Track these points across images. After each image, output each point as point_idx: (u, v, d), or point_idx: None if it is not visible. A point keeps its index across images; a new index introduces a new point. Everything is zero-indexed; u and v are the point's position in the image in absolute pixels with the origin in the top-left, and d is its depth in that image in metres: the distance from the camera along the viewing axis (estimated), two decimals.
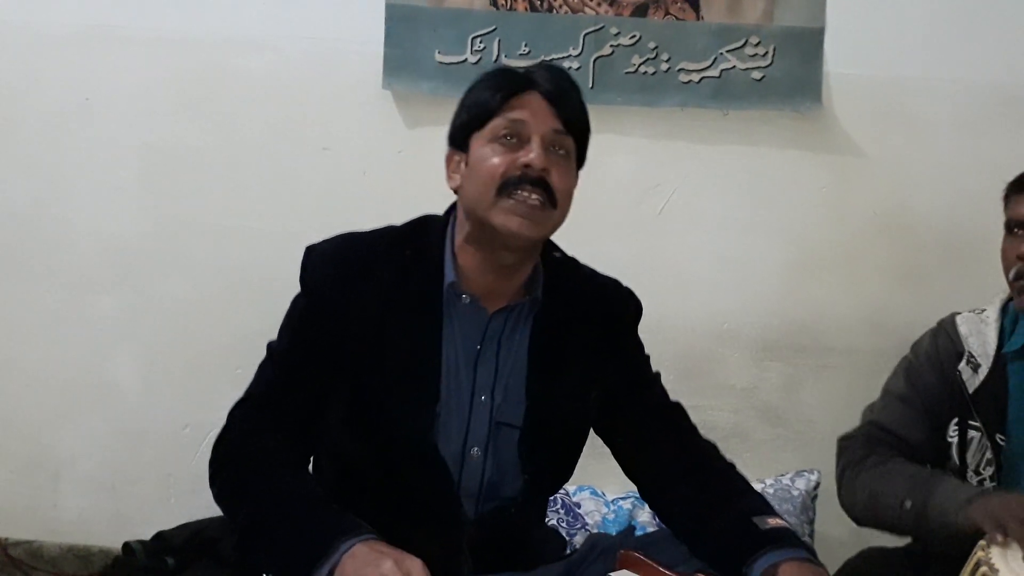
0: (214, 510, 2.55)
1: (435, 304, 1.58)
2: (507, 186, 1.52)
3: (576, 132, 1.59)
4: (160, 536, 2.39)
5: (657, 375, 1.75)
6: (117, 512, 2.69)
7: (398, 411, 1.54)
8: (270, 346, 1.61)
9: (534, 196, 1.51)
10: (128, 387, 2.70)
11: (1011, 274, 1.89)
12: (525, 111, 1.54)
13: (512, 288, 1.61)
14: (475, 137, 1.57)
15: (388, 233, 1.64)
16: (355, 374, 1.55)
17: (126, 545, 2.38)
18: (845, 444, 2.01)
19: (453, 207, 1.65)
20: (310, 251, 1.61)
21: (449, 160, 1.62)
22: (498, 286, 1.60)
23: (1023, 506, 1.63)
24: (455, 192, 1.62)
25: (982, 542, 1.54)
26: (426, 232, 1.63)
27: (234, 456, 1.54)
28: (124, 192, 2.66)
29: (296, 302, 1.61)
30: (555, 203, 1.54)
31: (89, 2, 2.64)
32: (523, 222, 1.52)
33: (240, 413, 1.58)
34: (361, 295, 1.55)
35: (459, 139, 1.60)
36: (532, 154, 1.52)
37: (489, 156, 1.53)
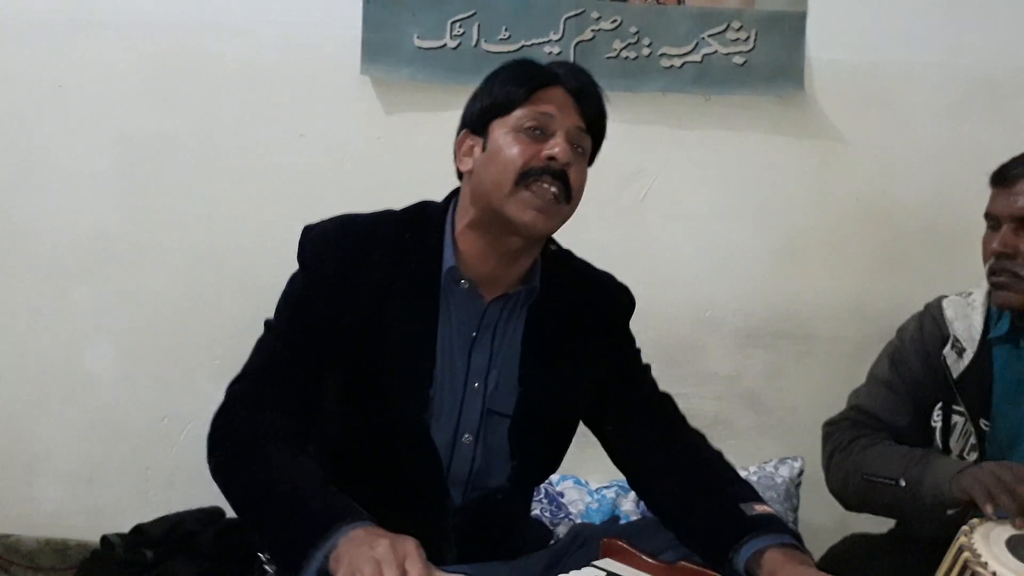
0: (192, 503, 2.55)
1: (433, 289, 1.58)
2: (527, 176, 1.52)
3: (595, 132, 1.61)
4: (138, 529, 2.38)
5: (647, 367, 1.76)
6: (94, 505, 2.67)
7: (392, 393, 1.54)
8: (268, 323, 1.60)
9: (553, 188, 1.52)
10: (105, 378, 2.67)
11: (986, 268, 1.88)
12: (552, 105, 1.55)
13: (511, 276, 1.61)
14: (496, 124, 1.56)
15: (387, 216, 1.63)
16: (351, 354, 1.54)
17: (104, 539, 2.36)
18: (830, 430, 2.00)
19: (454, 193, 1.65)
20: (308, 230, 1.60)
21: (461, 143, 1.61)
22: (498, 273, 1.60)
23: (1012, 475, 1.63)
24: (461, 176, 1.63)
25: (965, 527, 1.54)
26: (426, 217, 1.63)
27: (233, 431, 1.52)
28: (98, 180, 2.63)
29: (294, 280, 1.60)
30: (569, 198, 1.55)
31: None
32: (538, 215, 1.52)
33: (239, 389, 1.56)
34: (360, 276, 1.55)
35: (478, 124, 1.59)
36: (558, 148, 1.53)
37: (512, 144, 1.53)
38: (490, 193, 1.54)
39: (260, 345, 1.59)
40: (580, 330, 1.66)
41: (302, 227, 1.60)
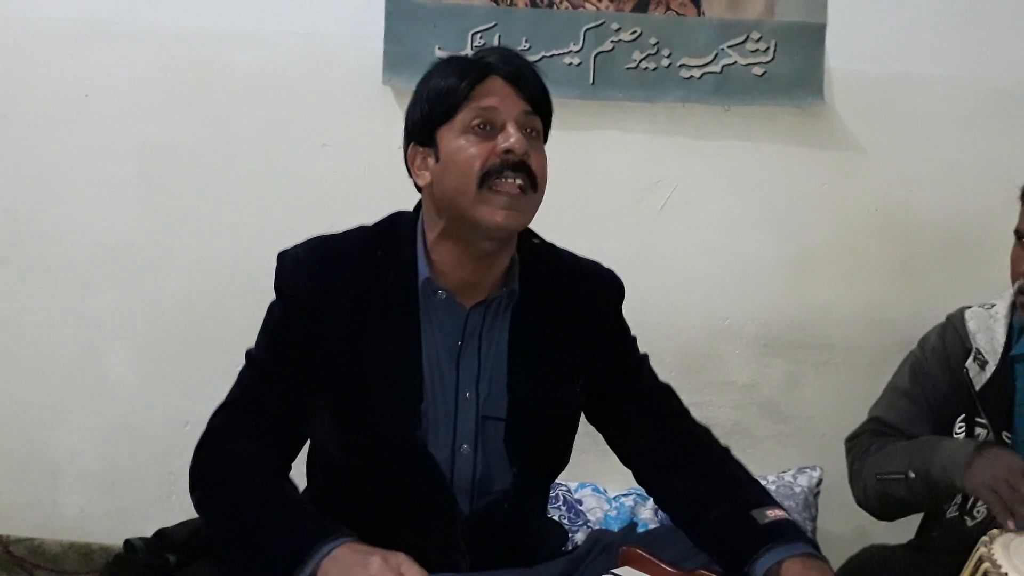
0: None
1: (411, 302, 1.56)
2: (488, 176, 1.48)
3: (542, 111, 1.57)
4: (161, 533, 2.38)
5: (645, 357, 1.72)
6: (117, 509, 2.68)
7: (383, 413, 1.53)
8: (248, 354, 1.60)
9: (518, 181, 1.49)
10: (126, 384, 2.69)
11: (1015, 286, 1.87)
12: (494, 97, 1.51)
13: (489, 280, 1.58)
14: (443, 131, 1.52)
15: (360, 233, 1.62)
16: (336, 377, 1.53)
17: (127, 542, 2.37)
18: (851, 444, 2.01)
19: (422, 202, 1.63)
20: (282, 256, 1.59)
21: (413, 158, 1.57)
22: (475, 279, 1.57)
23: (1012, 470, 1.62)
24: (420, 190, 1.60)
25: (985, 538, 1.53)
26: (397, 230, 1.61)
27: (212, 464, 1.53)
28: (121, 188, 2.65)
29: (272, 309, 1.60)
30: (535, 186, 1.52)
31: None
32: (508, 214, 1.49)
33: (219, 420, 1.57)
34: (336, 298, 1.53)
35: (423, 135, 1.55)
36: (512, 139, 1.49)
37: (465, 148, 1.49)
38: (455, 201, 1.51)
39: (241, 376, 1.60)
40: (568, 326, 1.62)
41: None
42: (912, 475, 1.80)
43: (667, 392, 1.70)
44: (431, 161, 1.54)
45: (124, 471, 2.70)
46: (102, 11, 2.61)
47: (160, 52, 2.62)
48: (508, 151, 1.49)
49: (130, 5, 2.61)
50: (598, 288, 1.69)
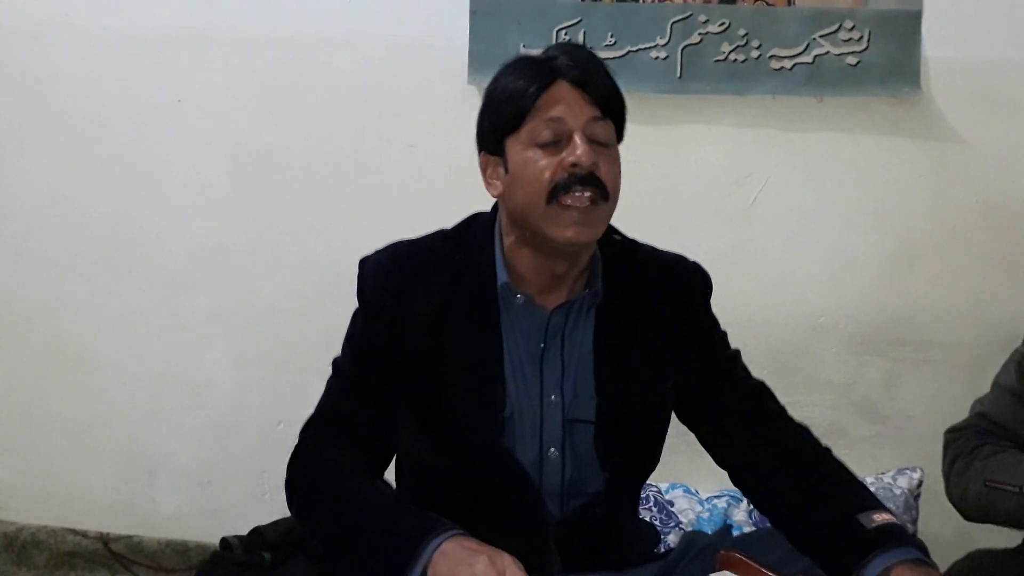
0: None
1: (491, 307, 1.54)
2: (557, 191, 1.46)
3: (613, 113, 1.52)
4: (257, 531, 2.41)
5: (737, 353, 1.68)
6: (213, 508, 2.73)
7: (466, 420, 1.52)
8: (335, 363, 1.61)
9: (588, 193, 1.46)
10: (221, 384, 2.74)
11: None
12: (560, 107, 1.47)
13: (569, 283, 1.56)
14: (510, 141, 1.50)
15: (439, 237, 1.61)
16: (420, 384, 1.53)
17: (223, 540, 2.41)
18: (953, 436, 1.94)
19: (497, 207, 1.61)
20: (364, 263, 1.59)
21: (485, 166, 1.56)
22: (554, 283, 1.56)
23: None
24: (497, 198, 1.58)
25: None
26: (474, 233, 1.59)
27: (309, 474, 1.53)
28: (214, 191, 2.70)
29: (355, 317, 1.61)
30: (607, 195, 1.49)
31: (177, 4, 2.67)
32: (579, 229, 1.47)
33: (311, 433, 1.57)
34: (418, 304, 1.53)
35: (491, 143, 1.53)
36: (578, 151, 1.46)
37: (533, 161, 1.47)
38: (526, 216, 1.49)
39: (329, 387, 1.60)
40: (655, 324, 1.59)
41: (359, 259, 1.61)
42: None
43: (762, 389, 1.66)
44: (501, 171, 1.53)
45: (219, 470, 2.75)
46: (192, 19, 2.66)
47: (249, 57, 2.66)
48: (575, 164, 1.46)
49: (218, 12, 2.66)
50: (685, 282, 1.66)
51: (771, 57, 2.50)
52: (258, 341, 2.71)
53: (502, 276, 1.55)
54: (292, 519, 2.38)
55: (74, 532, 2.76)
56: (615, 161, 1.53)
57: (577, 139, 1.47)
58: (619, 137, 1.56)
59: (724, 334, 1.69)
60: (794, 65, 2.50)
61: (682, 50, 2.51)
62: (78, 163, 2.72)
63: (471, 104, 2.58)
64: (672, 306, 1.62)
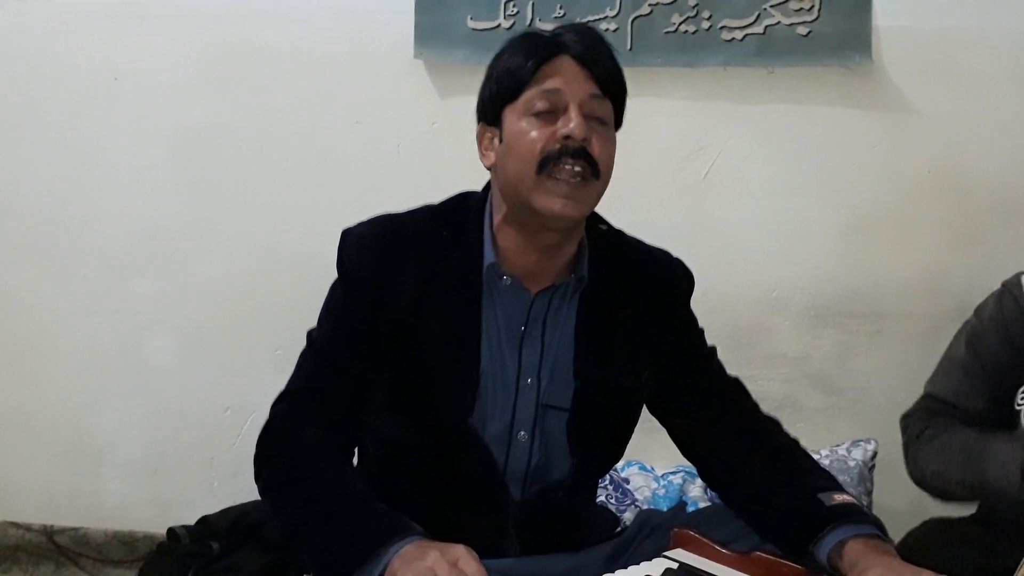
0: (257, 494, 2.54)
1: (475, 286, 1.53)
2: (547, 161, 1.45)
3: (613, 94, 1.52)
4: (204, 521, 2.38)
5: (713, 350, 1.69)
6: (160, 497, 2.69)
7: (437, 396, 1.51)
8: (310, 335, 1.57)
9: (577, 168, 1.45)
10: (167, 370, 2.68)
11: None
12: (559, 79, 1.47)
13: (556, 267, 1.56)
14: (508, 111, 1.50)
15: (425, 213, 1.59)
16: (395, 359, 1.51)
17: (171, 531, 2.37)
18: (906, 423, 1.95)
19: (491, 183, 1.60)
20: (346, 235, 1.56)
21: (481, 137, 1.55)
22: (541, 266, 1.55)
23: None
24: (490, 170, 1.56)
25: None
26: (464, 211, 1.58)
27: (278, 451, 1.50)
28: (154, 172, 2.63)
29: (334, 289, 1.57)
30: (598, 173, 1.48)
31: None
32: (566, 202, 1.46)
33: (283, 407, 1.54)
34: (400, 279, 1.51)
35: (490, 113, 1.53)
36: (572, 123, 1.45)
37: (526, 131, 1.47)
38: (516, 186, 1.48)
39: (303, 360, 1.57)
40: (636, 316, 1.59)
41: (341, 231, 1.56)
42: (967, 482, 1.77)
43: (736, 386, 1.67)
44: (496, 142, 1.52)
45: (166, 458, 2.70)
46: None
47: (189, 33, 2.59)
48: (567, 136, 1.45)
49: None
50: (669, 278, 1.67)
51: (722, 28, 2.48)
52: (203, 326, 2.66)
53: (489, 257, 1.53)
54: (240, 507, 2.36)
55: (16, 525, 2.71)
56: (610, 141, 1.52)
57: (572, 111, 1.46)
58: (618, 123, 1.55)
59: (702, 331, 1.69)
60: (745, 36, 2.48)
61: (632, 21, 2.48)
62: (11, 146, 2.64)
63: (418, 78, 2.56)
64: (655, 298, 1.62)
